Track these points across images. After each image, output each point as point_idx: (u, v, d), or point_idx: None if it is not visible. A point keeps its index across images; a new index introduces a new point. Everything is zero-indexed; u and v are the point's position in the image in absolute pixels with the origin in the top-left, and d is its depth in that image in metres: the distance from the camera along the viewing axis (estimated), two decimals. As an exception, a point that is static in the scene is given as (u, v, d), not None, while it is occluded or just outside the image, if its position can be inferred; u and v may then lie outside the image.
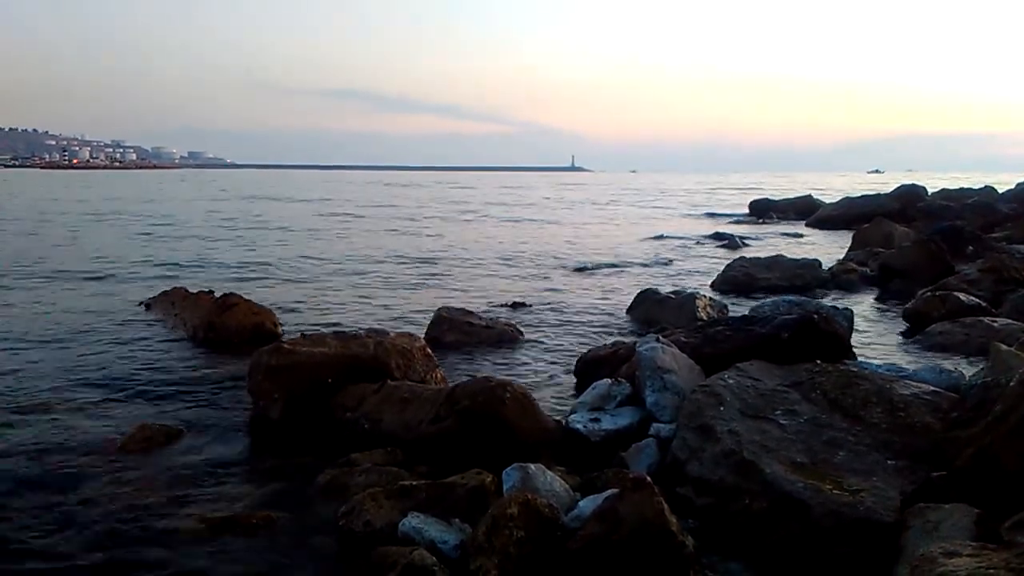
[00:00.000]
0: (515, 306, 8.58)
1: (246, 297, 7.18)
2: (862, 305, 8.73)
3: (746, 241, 17.36)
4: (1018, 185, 26.72)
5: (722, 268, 11.00)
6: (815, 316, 4.71)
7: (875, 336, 7.04)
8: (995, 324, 6.40)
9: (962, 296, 7.40)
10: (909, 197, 21.29)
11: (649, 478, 2.91)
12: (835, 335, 4.68)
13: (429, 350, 5.28)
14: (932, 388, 3.95)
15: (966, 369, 4.56)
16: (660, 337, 4.81)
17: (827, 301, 8.25)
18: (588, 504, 3.03)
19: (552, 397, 5.19)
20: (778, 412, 3.69)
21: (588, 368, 5.51)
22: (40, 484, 3.71)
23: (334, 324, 7.54)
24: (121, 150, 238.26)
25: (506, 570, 2.68)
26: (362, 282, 10.63)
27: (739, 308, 7.89)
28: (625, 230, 20.52)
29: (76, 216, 22.96)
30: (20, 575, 2.94)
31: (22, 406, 4.90)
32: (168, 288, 8.41)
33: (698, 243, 17.02)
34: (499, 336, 6.93)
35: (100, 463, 3.99)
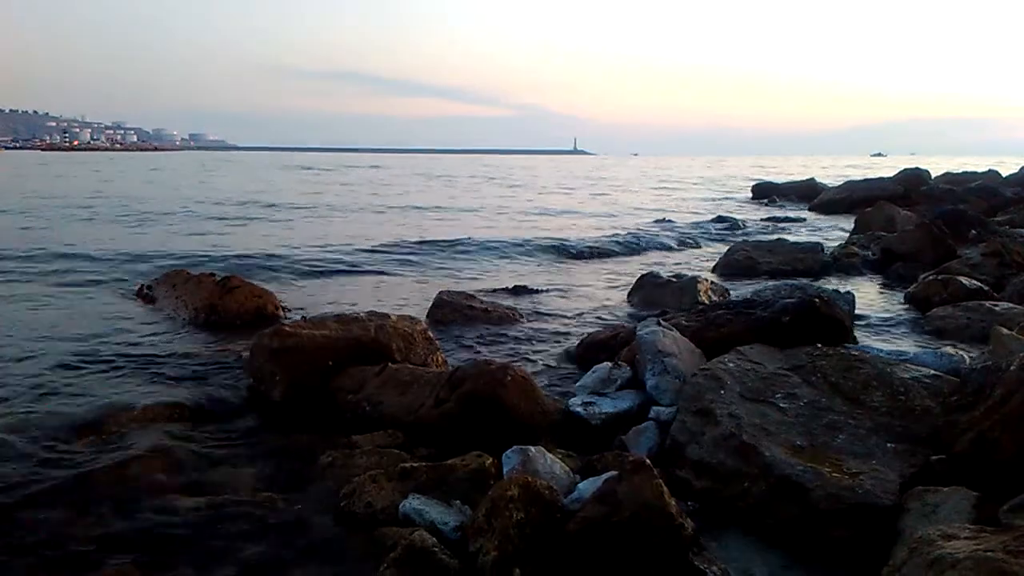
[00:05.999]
0: (515, 290, 8.58)
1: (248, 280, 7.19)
2: (864, 289, 8.72)
3: (748, 224, 17.33)
4: (1022, 168, 26.62)
5: (724, 251, 10.99)
6: (816, 300, 4.70)
7: (877, 319, 7.03)
8: (997, 308, 6.39)
9: (964, 280, 7.38)
10: (912, 181, 21.20)
11: (648, 461, 2.92)
12: (836, 319, 4.67)
13: (430, 333, 5.29)
14: (933, 372, 3.95)
15: (967, 353, 4.55)
16: (661, 321, 4.82)
17: (829, 285, 8.25)
18: (587, 486, 3.04)
19: (552, 380, 5.20)
20: (778, 395, 3.70)
21: (588, 352, 5.52)
22: (38, 466, 3.72)
23: (335, 307, 7.55)
24: (122, 132, 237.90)
25: (506, 551, 2.70)
26: (363, 266, 10.62)
27: (741, 292, 7.88)
28: (626, 213, 20.47)
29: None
30: (19, 554, 2.96)
31: (19, 386, 4.91)
32: (169, 270, 8.41)
33: (700, 226, 16.97)
34: (500, 319, 6.94)
35: (100, 444, 4.00)
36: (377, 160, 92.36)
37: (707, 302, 6.78)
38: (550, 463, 3.30)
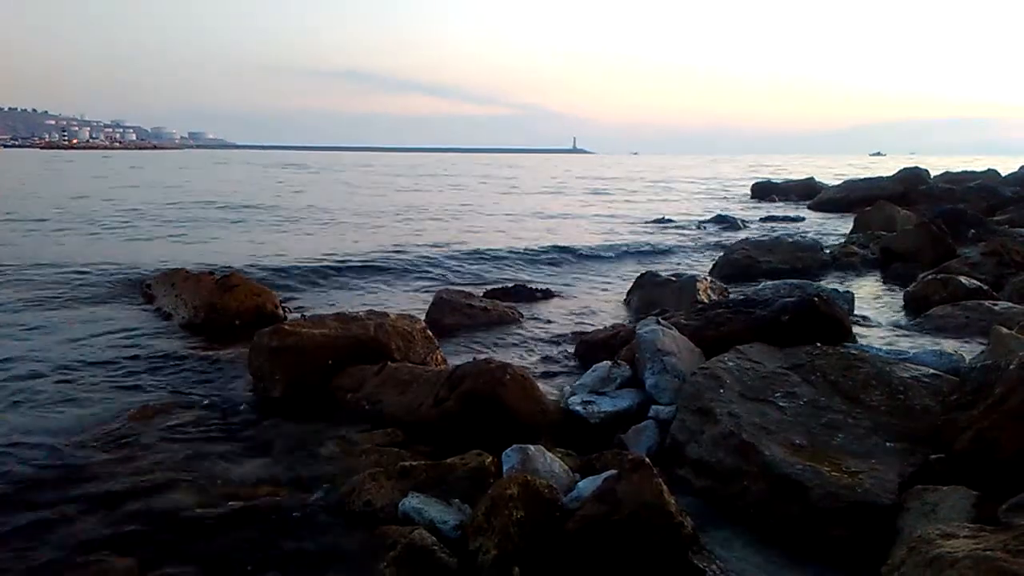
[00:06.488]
0: (515, 289, 8.56)
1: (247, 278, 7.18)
2: (863, 288, 8.72)
3: (747, 223, 17.33)
4: (1021, 168, 26.63)
5: (723, 251, 10.99)
6: (816, 299, 4.71)
7: (876, 319, 7.04)
8: (996, 307, 6.39)
9: (963, 279, 7.39)
10: (911, 180, 21.21)
11: (648, 459, 2.92)
12: (835, 318, 4.68)
13: (429, 332, 5.29)
14: (932, 371, 3.95)
15: (967, 352, 4.55)
16: (660, 319, 4.82)
17: (828, 284, 8.25)
18: (587, 485, 3.04)
19: (552, 379, 5.20)
20: (778, 394, 3.70)
21: (588, 351, 5.52)
22: (41, 465, 3.72)
23: (334, 306, 7.55)
24: (121, 130, 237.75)
25: (505, 550, 2.70)
26: (362, 266, 10.61)
27: (740, 291, 7.88)
28: (625, 213, 20.47)
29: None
30: (23, 550, 2.96)
31: (20, 387, 4.91)
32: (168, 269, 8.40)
33: (699, 225, 16.98)
34: (499, 318, 6.93)
35: (101, 444, 4.00)
36: (377, 159, 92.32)
37: (706, 301, 6.78)
38: (549, 462, 3.30)
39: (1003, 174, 24.75)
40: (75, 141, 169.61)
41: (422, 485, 3.23)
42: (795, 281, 7.38)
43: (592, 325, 6.78)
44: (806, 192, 25.13)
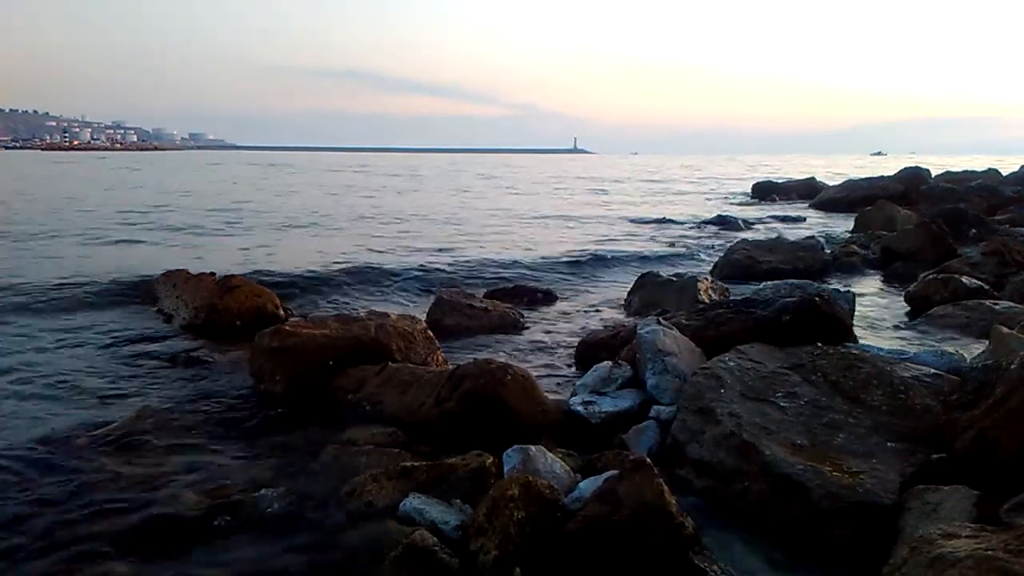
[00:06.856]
0: (515, 290, 8.56)
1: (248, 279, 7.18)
2: (864, 287, 8.72)
3: (748, 223, 17.33)
4: (1022, 167, 26.63)
5: (724, 251, 10.99)
6: (817, 298, 4.70)
7: (877, 318, 7.04)
8: (997, 307, 6.38)
9: (964, 279, 7.38)
10: (912, 179, 21.22)
11: (649, 460, 2.92)
12: (836, 318, 4.67)
13: (430, 332, 5.29)
14: (933, 371, 3.95)
15: (968, 352, 4.55)
16: (661, 320, 4.81)
17: (829, 284, 8.25)
18: (588, 485, 3.04)
19: (552, 379, 5.20)
20: (779, 394, 3.70)
21: (589, 351, 5.52)
22: (41, 468, 3.72)
23: (335, 306, 7.55)
24: (122, 131, 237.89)
25: (506, 550, 2.70)
26: (362, 267, 10.61)
27: (741, 290, 7.87)
28: (625, 214, 20.46)
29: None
30: (23, 553, 2.96)
31: (19, 389, 4.91)
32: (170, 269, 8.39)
33: (700, 225, 16.98)
34: (500, 319, 6.93)
35: (101, 445, 4.00)
36: (377, 159, 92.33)
37: (707, 301, 6.77)
38: (550, 462, 3.30)
39: (1004, 174, 24.75)
40: (76, 142, 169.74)
41: (423, 486, 3.23)
42: (796, 281, 7.37)
43: (593, 325, 6.78)
44: (807, 192, 25.14)
